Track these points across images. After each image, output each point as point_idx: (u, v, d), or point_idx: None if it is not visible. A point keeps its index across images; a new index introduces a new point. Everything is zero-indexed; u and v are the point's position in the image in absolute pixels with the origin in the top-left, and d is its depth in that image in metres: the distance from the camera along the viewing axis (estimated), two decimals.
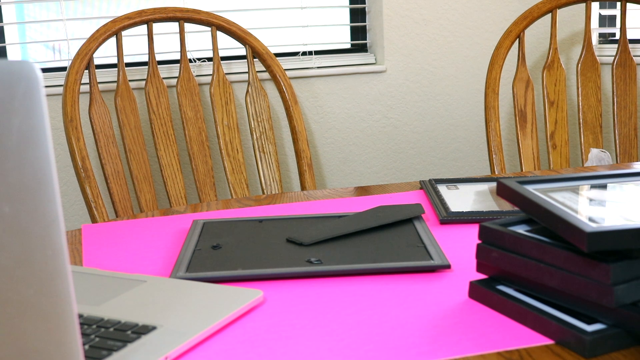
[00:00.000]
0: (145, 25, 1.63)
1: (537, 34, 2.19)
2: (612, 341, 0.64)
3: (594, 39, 2.21)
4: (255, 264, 0.87)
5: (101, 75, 1.80)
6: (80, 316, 0.72)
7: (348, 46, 2.15)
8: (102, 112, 1.56)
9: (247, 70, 1.81)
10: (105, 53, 1.85)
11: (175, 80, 1.68)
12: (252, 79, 1.70)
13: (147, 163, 1.60)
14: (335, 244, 0.94)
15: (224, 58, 1.95)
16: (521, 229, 0.74)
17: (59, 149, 1.83)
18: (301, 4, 2.05)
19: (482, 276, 0.82)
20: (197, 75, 1.90)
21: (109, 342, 0.66)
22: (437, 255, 0.88)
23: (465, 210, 1.07)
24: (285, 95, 1.69)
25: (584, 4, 1.87)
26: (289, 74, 1.96)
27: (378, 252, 0.90)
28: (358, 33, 2.15)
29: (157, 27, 1.76)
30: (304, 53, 2.07)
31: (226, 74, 1.87)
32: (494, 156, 1.70)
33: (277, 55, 2.01)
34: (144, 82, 1.81)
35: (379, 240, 0.94)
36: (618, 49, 1.83)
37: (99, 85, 1.68)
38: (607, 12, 2.20)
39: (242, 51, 1.95)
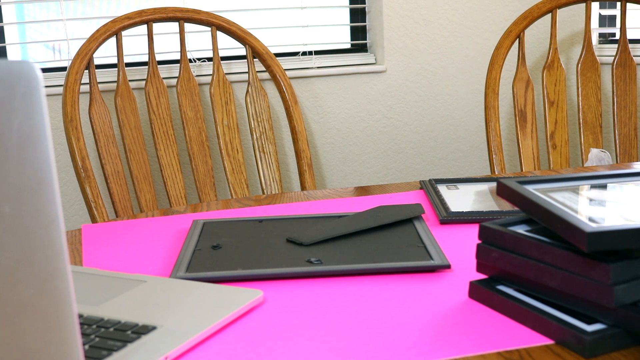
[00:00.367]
0: (145, 25, 1.63)
1: (537, 34, 2.19)
2: (612, 341, 0.64)
3: (594, 39, 2.21)
4: (255, 264, 0.87)
5: (101, 75, 1.80)
6: (80, 316, 0.72)
7: (348, 46, 2.15)
8: (102, 112, 1.56)
9: (247, 70, 1.81)
10: (105, 53, 1.85)
11: (175, 80, 1.68)
12: (252, 79, 1.70)
13: (147, 163, 1.60)
14: (335, 244, 0.94)
15: (224, 58, 1.95)
16: (521, 229, 0.74)
17: (59, 149, 1.83)
18: (301, 4, 2.05)
19: (482, 276, 0.82)
20: (197, 75, 1.90)
21: (109, 342, 0.66)
22: (437, 255, 0.88)
23: (465, 210, 1.07)
24: (285, 95, 1.69)
25: (584, 4, 1.87)
26: (289, 74, 1.96)
27: (378, 252, 0.90)
28: (358, 33, 2.15)
29: (157, 27, 1.76)
30: (304, 53, 2.07)
31: (226, 74, 1.87)
32: (494, 156, 1.70)
33: (277, 55, 2.01)
34: (144, 82, 1.81)
35: (379, 240, 0.94)
36: (618, 49, 1.83)
37: (99, 85, 1.68)
38: (607, 12, 2.20)
39: (242, 51, 1.95)
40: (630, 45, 1.86)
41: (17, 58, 1.85)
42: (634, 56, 1.85)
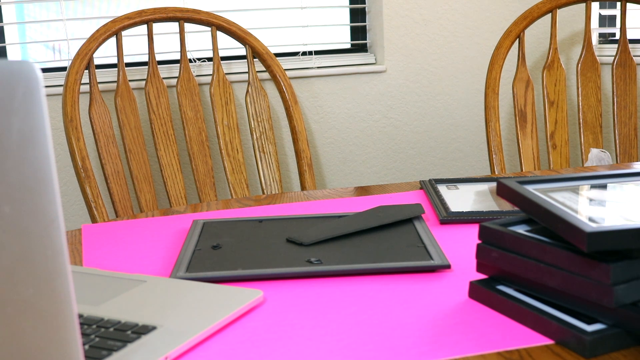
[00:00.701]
0: (145, 25, 1.63)
1: (537, 34, 2.19)
2: (612, 341, 0.64)
3: (594, 39, 2.21)
4: (255, 264, 0.87)
5: (101, 75, 1.80)
6: (80, 316, 0.72)
7: (348, 46, 2.15)
8: (102, 112, 1.56)
9: (247, 70, 1.81)
10: (105, 53, 1.85)
11: (175, 80, 1.68)
12: (252, 79, 1.70)
13: (147, 163, 1.60)
14: (335, 244, 0.94)
15: (224, 58, 1.95)
16: (521, 229, 0.74)
17: (59, 149, 1.83)
18: (301, 4, 2.05)
19: (482, 276, 0.82)
20: (197, 75, 1.90)
21: (109, 342, 0.66)
22: (437, 255, 0.88)
23: (465, 210, 1.07)
24: (285, 95, 1.69)
25: (584, 4, 1.87)
26: (289, 74, 1.96)
27: (378, 252, 0.90)
28: (358, 33, 2.15)
29: (157, 27, 1.76)
30: (304, 53, 2.07)
31: (226, 74, 1.87)
32: (494, 156, 1.70)
33: (277, 55, 2.01)
34: (144, 82, 1.81)
35: (379, 240, 0.94)
36: (618, 49, 1.83)
37: (99, 85, 1.68)
38: (607, 12, 2.20)
39: (242, 51, 1.95)
40: (630, 45, 1.86)
41: (17, 58, 1.85)
42: (634, 56, 1.85)
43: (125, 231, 1.06)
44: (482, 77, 2.19)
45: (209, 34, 1.71)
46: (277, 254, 0.91)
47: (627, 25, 1.85)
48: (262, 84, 1.73)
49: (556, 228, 0.67)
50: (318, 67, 2.05)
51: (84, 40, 1.60)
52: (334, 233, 0.96)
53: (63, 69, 1.88)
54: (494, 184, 1.23)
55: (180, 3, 1.92)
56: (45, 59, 1.89)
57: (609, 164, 1.67)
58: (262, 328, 0.72)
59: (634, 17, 2.12)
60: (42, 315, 0.45)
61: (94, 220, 1.45)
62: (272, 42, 2.04)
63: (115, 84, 1.64)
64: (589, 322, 0.66)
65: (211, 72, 1.74)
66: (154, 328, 0.69)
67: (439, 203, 1.11)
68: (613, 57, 1.84)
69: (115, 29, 1.58)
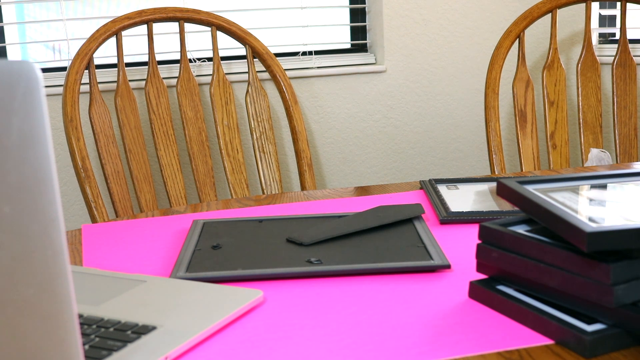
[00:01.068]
0: (145, 25, 1.63)
1: (537, 34, 2.19)
2: (612, 341, 0.64)
3: (594, 39, 2.21)
4: (255, 264, 0.87)
5: (101, 75, 1.80)
6: (80, 316, 0.72)
7: (348, 46, 2.15)
8: (102, 112, 1.56)
9: (247, 70, 1.81)
10: (105, 53, 1.85)
11: (175, 80, 1.68)
12: (252, 79, 1.70)
13: (147, 163, 1.60)
14: (335, 244, 0.94)
15: (224, 58, 1.95)
16: (521, 229, 0.74)
17: (59, 149, 1.83)
18: (301, 4, 2.05)
19: (482, 276, 0.82)
20: (197, 75, 1.90)
21: (109, 342, 0.66)
22: (437, 255, 0.88)
23: (465, 210, 1.07)
24: (285, 95, 1.69)
25: (584, 4, 1.87)
26: (289, 74, 1.96)
27: (378, 252, 0.90)
28: (358, 33, 2.15)
29: (157, 27, 1.76)
30: (304, 53, 2.07)
31: (226, 74, 1.87)
32: (494, 156, 1.70)
33: (277, 55, 2.01)
34: (144, 82, 1.81)
35: (379, 240, 0.94)
36: (618, 49, 1.83)
37: (99, 85, 1.68)
38: (607, 12, 2.20)
39: (242, 51, 1.95)
40: (630, 45, 1.86)
41: (17, 58, 1.85)
42: (634, 56, 1.85)
43: (125, 231, 1.06)
44: (482, 77, 2.19)
45: (209, 34, 1.71)
46: (277, 254, 0.91)
47: (627, 25, 1.85)
48: (262, 84, 1.73)
49: (556, 228, 0.67)
50: (318, 67, 2.05)
51: (84, 40, 1.60)
52: (334, 233, 0.96)
53: (63, 69, 1.88)
54: (494, 184, 1.23)
55: (180, 3, 1.92)
56: (45, 59, 1.89)
57: (609, 164, 1.67)
58: (262, 328, 0.72)
59: (634, 17, 2.12)
60: (42, 315, 0.45)
61: (94, 220, 1.45)
62: (272, 42, 2.04)
63: (115, 84, 1.64)
64: (589, 322, 0.66)
65: (211, 72, 1.74)
66: (154, 328, 0.69)
67: (439, 203, 1.11)
68: (613, 57, 1.84)
69: (115, 29, 1.58)
